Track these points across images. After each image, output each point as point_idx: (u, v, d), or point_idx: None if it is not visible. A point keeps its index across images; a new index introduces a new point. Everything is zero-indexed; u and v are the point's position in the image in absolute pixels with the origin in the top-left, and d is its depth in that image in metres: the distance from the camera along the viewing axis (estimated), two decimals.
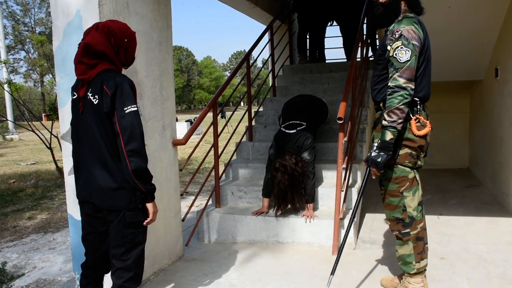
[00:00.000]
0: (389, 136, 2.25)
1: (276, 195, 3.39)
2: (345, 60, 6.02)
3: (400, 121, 2.23)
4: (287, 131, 3.63)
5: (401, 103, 2.20)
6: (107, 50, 1.92)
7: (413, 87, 2.22)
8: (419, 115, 2.32)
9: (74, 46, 2.01)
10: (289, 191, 3.36)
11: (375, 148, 2.32)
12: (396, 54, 2.22)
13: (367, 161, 2.36)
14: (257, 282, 2.83)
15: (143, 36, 2.81)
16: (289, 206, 3.45)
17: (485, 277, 2.76)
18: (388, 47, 2.28)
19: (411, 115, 2.31)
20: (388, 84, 2.27)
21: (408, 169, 2.37)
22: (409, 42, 2.21)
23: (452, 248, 3.27)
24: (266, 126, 4.71)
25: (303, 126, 3.63)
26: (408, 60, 2.20)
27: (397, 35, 2.24)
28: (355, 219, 3.43)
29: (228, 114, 5.33)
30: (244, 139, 4.69)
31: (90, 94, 1.90)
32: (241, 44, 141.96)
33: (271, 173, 3.44)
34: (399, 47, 2.22)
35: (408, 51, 2.20)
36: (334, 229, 3.25)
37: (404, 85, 2.20)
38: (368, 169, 2.37)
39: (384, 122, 2.27)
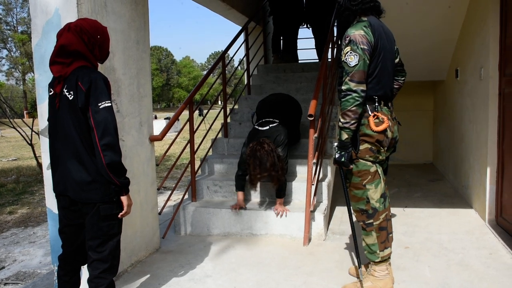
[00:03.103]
0: (344, 136, 2.38)
1: (252, 163, 3.30)
2: (317, 60, 6.16)
3: (353, 122, 2.34)
4: (260, 128, 3.70)
5: (353, 105, 2.30)
6: (82, 49, 1.95)
7: (364, 88, 2.32)
8: (377, 112, 2.41)
9: (52, 44, 2.01)
10: (267, 161, 3.27)
11: (336, 149, 2.45)
12: (346, 59, 2.32)
13: (335, 162, 2.50)
14: (231, 272, 2.90)
15: (121, 35, 2.85)
16: (260, 176, 3.33)
17: (445, 264, 2.90)
18: (342, 52, 2.38)
19: (369, 112, 2.41)
20: (341, 88, 2.35)
21: (369, 163, 2.46)
22: (357, 47, 2.30)
23: (416, 238, 3.41)
24: (241, 123, 4.79)
25: (276, 123, 3.69)
26: (357, 64, 2.29)
27: (347, 41, 2.34)
28: (325, 212, 3.60)
29: (205, 112, 5.42)
30: (220, 135, 4.75)
31: (65, 90, 1.92)
32: (219, 45, 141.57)
33: (247, 153, 3.39)
34: (348, 52, 2.32)
35: (356, 55, 2.29)
36: (305, 221, 3.36)
37: (354, 88, 2.29)
38: (340, 167, 2.52)
39: (339, 124, 2.38)
